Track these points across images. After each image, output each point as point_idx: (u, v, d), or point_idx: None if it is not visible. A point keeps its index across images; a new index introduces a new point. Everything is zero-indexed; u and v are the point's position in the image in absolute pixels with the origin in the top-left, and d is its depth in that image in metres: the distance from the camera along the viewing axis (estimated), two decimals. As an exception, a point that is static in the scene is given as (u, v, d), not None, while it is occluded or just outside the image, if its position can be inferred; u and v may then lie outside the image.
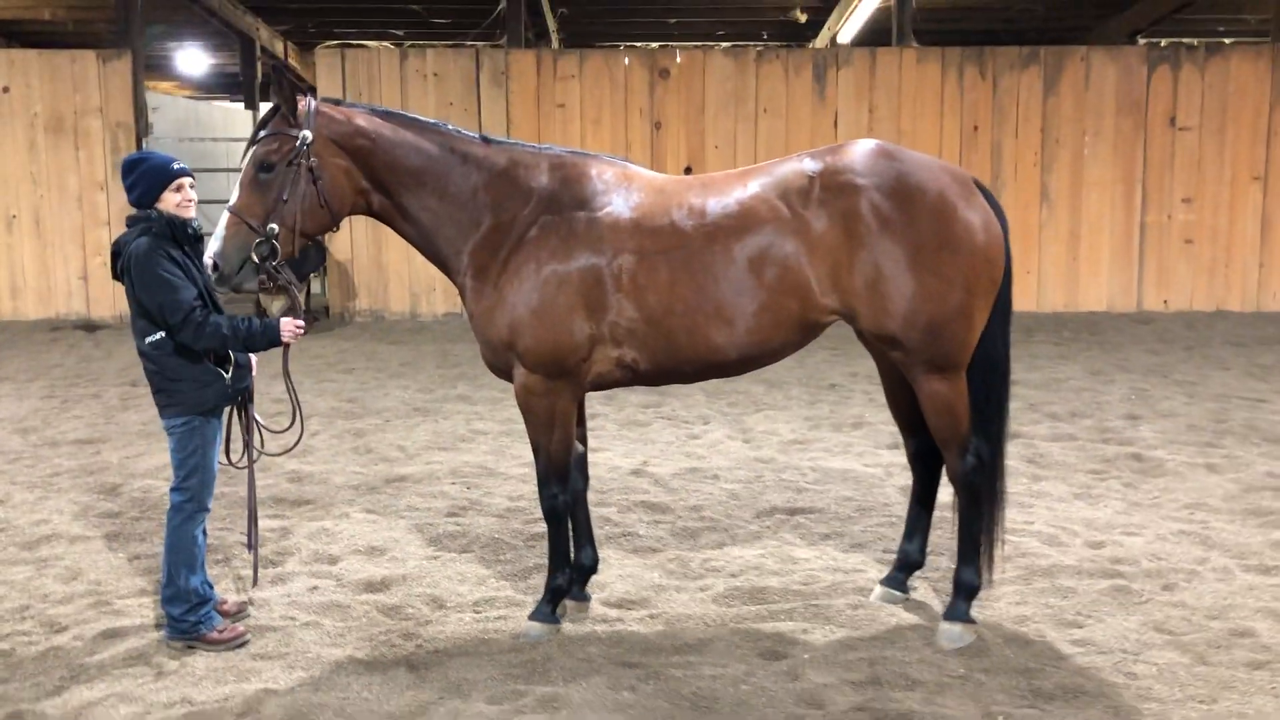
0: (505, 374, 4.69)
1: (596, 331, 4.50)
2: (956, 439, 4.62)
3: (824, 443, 8.30)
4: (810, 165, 4.54)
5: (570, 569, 4.86)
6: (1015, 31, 17.56)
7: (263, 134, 4.53)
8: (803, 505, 6.66)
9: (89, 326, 14.00)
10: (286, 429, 4.99)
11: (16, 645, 4.74)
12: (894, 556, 5.65)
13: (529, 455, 7.84)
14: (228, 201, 4.57)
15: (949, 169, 4.59)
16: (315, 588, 5.38)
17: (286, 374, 4.92)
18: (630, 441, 8.27)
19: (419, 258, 14.18)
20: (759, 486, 7.08)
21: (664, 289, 4.46)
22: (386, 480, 7.28)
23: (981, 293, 4.49)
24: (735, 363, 4.59)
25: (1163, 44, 15.51)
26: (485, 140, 4.74)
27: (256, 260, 4.49)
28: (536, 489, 4.75)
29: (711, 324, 4.47)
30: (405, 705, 4.16)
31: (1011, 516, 6.35)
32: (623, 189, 4.61)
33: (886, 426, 8.66)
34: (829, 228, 4.42)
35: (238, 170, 4.67)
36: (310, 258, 13.45)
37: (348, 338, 13.19)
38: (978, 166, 13.86)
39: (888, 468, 7.53)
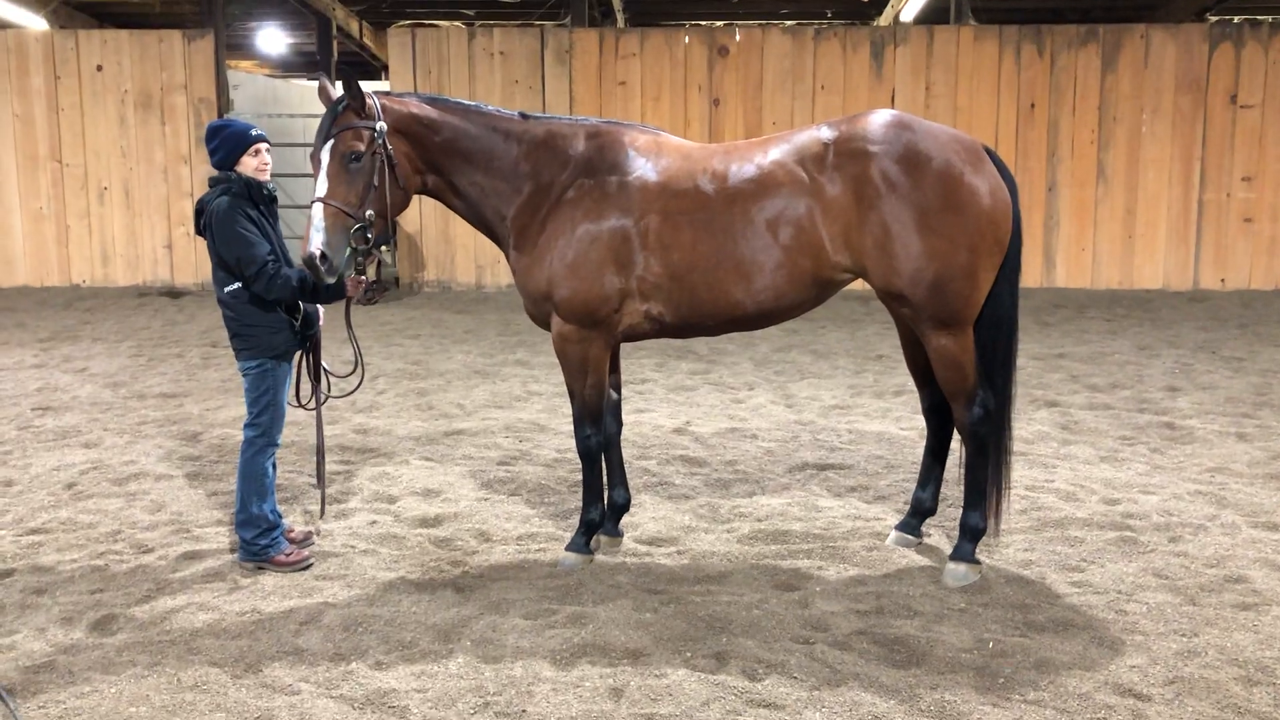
0: (546, 324, 5.12)
1: (626, 285, 4.91)
2: (964, 391, 4.94)
3: (864, 408, 8.62)
4: (827, 133, 4.89)
5: (603, 505, 5.29)
6: (1081, 9, 17.52)
7: (337, 129, 4.82)
8: (834, 462, 7.01)
9: (173, 293, 14.76)
10: (349, 374, 5.47)
11: (110, 562, 5.31)
12: (912, 506, 6.01)
13: (579, 413, 8.28)
14: (304, 175, 5.03)
15: (959, 138, 4.90)
16: (374, 522, 5.88)
17: (349, 324, 5.39)
18: (676, 405, 8.67)
19: (484, 230, 14.75)
20: (794, 445, 7.44)
21: (687, 247, 4.85)
22: (445, 433, 7.77)
23: (986, 253, 4.80)
24: (753, 316, 4.96)
25: (1235, 20, 15.41)
26: (523, 116, 5.16)
27: (355, 245, 4.82)
28: (573, 432, 5.19)
29: (731, 280, 4.85)
30: (449, 618, 4.62)
31: (1034, 475, 6.66)
32: (653, 155, 5.00)
33: (926, 394, 8.95)
34: (841, 191, 4.77)
35: (311, 145, 5.04)
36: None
37: (415, 306, 13.75)
38: (1034, 144, 13.98)
39: (922, 431, 7.82)
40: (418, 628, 4.55)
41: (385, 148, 4.86)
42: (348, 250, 4.82)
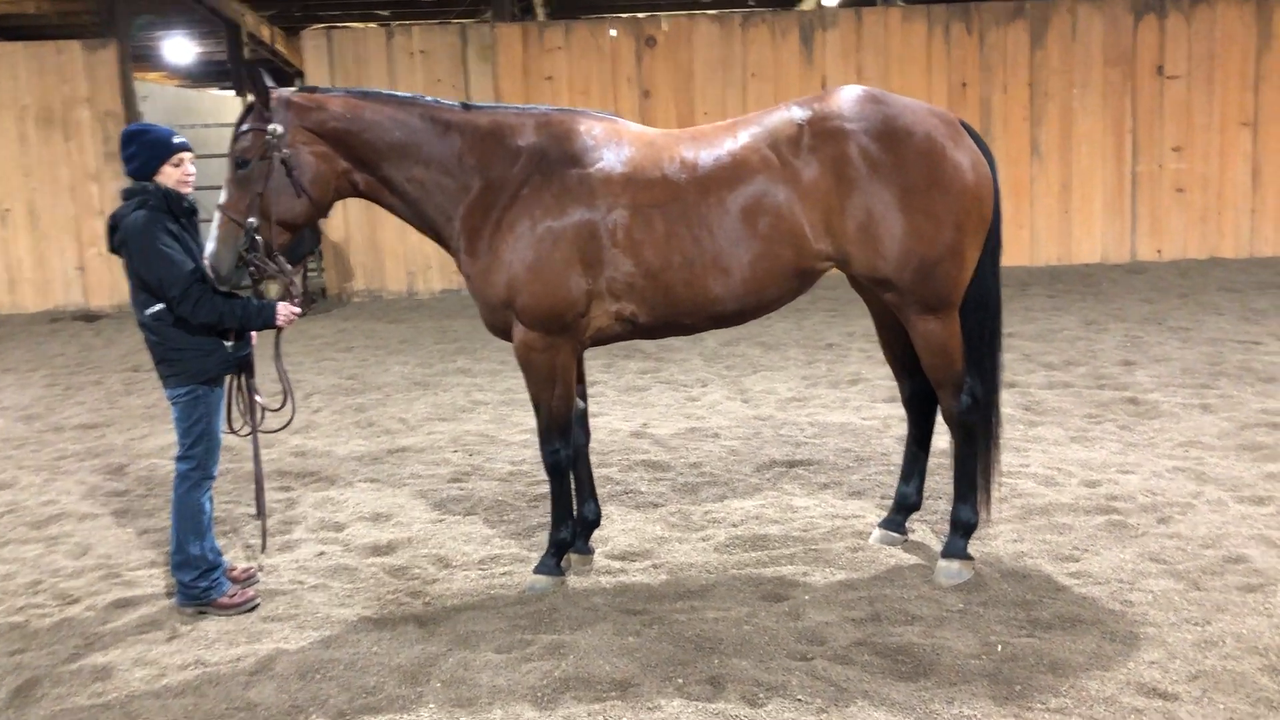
0: (504, 333, 4.75)
1: (594, 287, 4.56)
2: (951, 378, 4.68)
3: (821, 399, 8.36)
4: (799, 113, 4.59)
5: (573, 522, 4.93)
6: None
7: (237, 131, 4.59)
8: (801, 458, 6.73)
9: (88, 316, 14.05)
10: (280, 407, 5.03)
11: (30, 617, 4.83)
12: (893, 502, 5.75)
13: (530, 422, 7.92)
14: (218, 187, 4.65)
15: (936, 112, 4.64)
16: (323, 553, 5.46)
17: (278, 356, 4.97)
18: (630, 406, 8.33)
19: (414, 236, 14.22)
20: (758, 442, 7.15)
21: (660, 242, 4.51)
22: (389, 451, 7.35)
23: (972, 231, 4.54)
24: (734, 313, 4.65)
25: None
26: (465, 106, 4.78)
27: (243, 254, 4.56)
28: (539, 446, 4.82)
29: (709, 275, 4.52)
30: (415, 658, 4.24)
31: (1008, 460, 6.43)
32: (613, 144, 4.65)
33: (884, 382, 8.73)
34: (820, 174, 4.47)
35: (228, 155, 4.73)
36: (304, 241, 13.49)
37: (346, 318, 13.24)
38: (968, 123, 13.86)
39: (885, 420, 7.60)
40: (381, 670, 4.15)
41: (280, 151, 4.47)
42: (235, 259, 4.54)
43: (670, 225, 4.52)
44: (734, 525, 5.57)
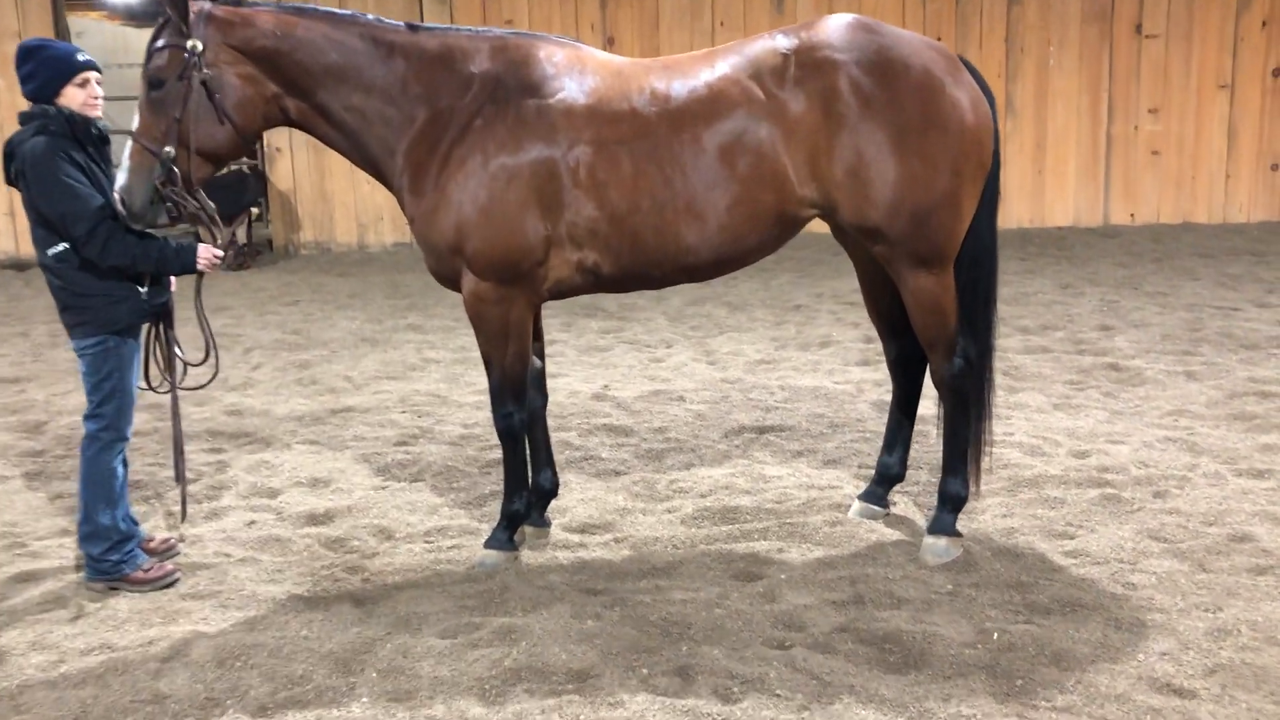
0: (453, 283, 4.28)
1: (553, 232, 4.09)
2: (944, 339, 4.28)
3: (791, 362, 7.97)
4: (784, 42, 4.13)
5: (528, 493, 4.49)
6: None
7: (151, 49, 4.06)
8: (772, 423, 6.33)
9: (18, 265, 13.34)
10: (203, 362, 4.52)
11: (-80, 593, 4.33)
12: (872, 471, 5.36)
13: (483, 382, 7.44)
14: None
15: (932, 44, 4.20)
16: (253, 522, 4.99)
17: (199, 306, 4.45)
18: (590, 367, 7.89)
19: (365, 186, 13.64)
20: (726, 406, 6.74)
21: (627, 183, 4.05)
22: (332, 411, 6.87)
23: (970, 177, 4.12)
24: (708, 264, 4.21)
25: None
26: (411, 28, 4.27)
27: (160, 188, 4.06)
28: (491, 409, 4.36)
29: (681, 221, 4.07)
30: (349, 642, 3.79)
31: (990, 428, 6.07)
32: (576, 72, 4.17)
33: (855, 345, 8.36)
34: (807, 109, 4.02)
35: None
36: (249, 188, 12.89)
37: (292, 271, 12.64)
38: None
39: (858, 384, 7.22)
40: (310, 658, 3.71)
41: (200, 71, 3.96)
42: (150, 193, 4.02)
43: (639, 164, 4.06)
44: (702, 496, 5.16)
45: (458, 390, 7.32)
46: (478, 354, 8.64)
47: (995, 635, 3.74)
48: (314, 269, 12.74)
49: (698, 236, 4.11)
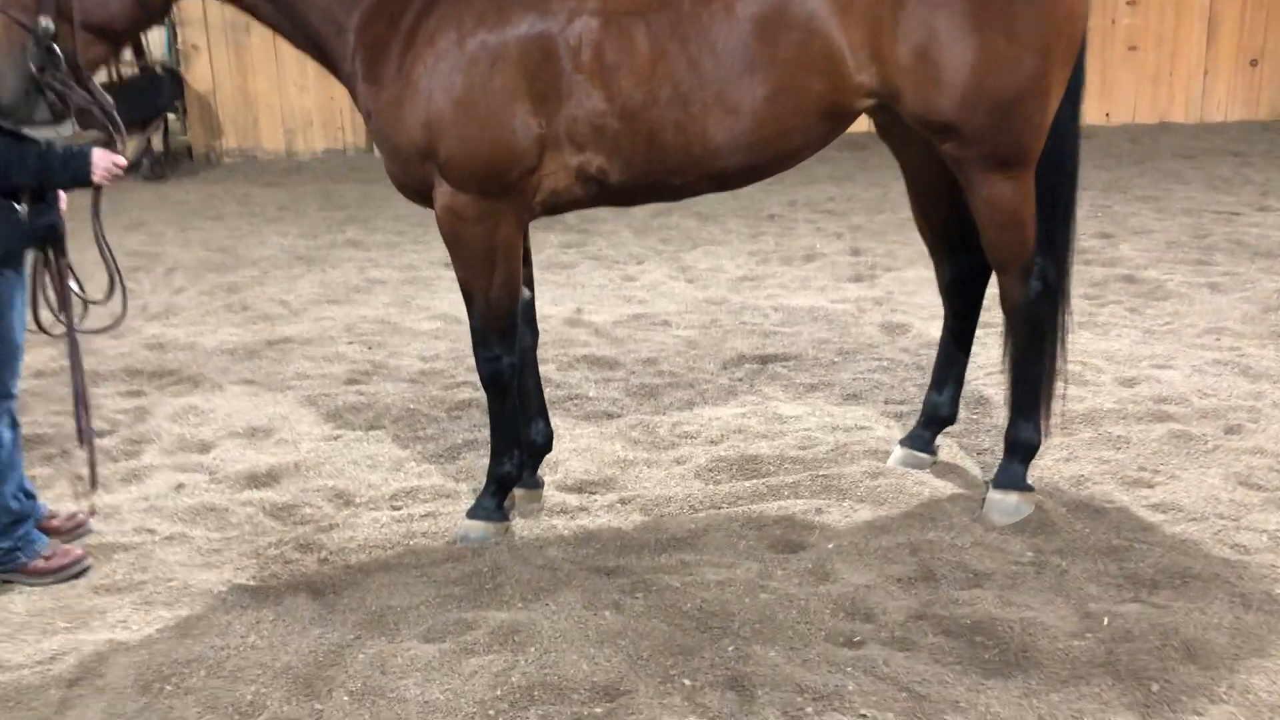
0: (421, 195, 3.44)
1: (548, 130, 3.26)
2: (1021, 257, 3.55)
3: (777, 278, 7.23)
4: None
5: (519, 451, 3.71)
6: None
7: None
8: (774, 351, 5.59)
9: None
10: (107, 298, 3.64)
11: None
12: (903, 409, 4.67)
13: (440, 306, 6.62)
14: None
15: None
16: (181, 485, 4.16)
17: (98, 226, 3.55)
18: (557, 287, 7.06)
19: (292, 87, 12.48)
20: (718, 332, 5.99)
21: (643, 67, 3.21)
22: (268, 343, 5.99)
23: (1060, 59, 3.36)
24: (741, 169, 3.41)
25: None
26: None
27: (35, 71, 3.12)
28: (473, 351, 3.54)
29: (710, 115, 3.26)
30: (310, 651, 3.02)
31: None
32: (574, -78, 3.29)
33: (842, 258, 7.64)
34: (867, -28, 3.20)
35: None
36: (163, 91, 11.68)
37: (215, 181, 11.53)
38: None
39: (857, 303, 6.51)
40: (262, 676, 2.93)
41: None
42: (23, 79, 3.11)
43: (657, 43, 3.23)
44: (712, 442, 4.42)
45: (410, 316, 6.47)
46: (429, 273, 7.80)
47: (1104, 620, 3.08)
48: (239, 179, 11.63)
49: (729, 135, 3.30)
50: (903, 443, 4.14)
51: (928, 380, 5.01)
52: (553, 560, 3.49)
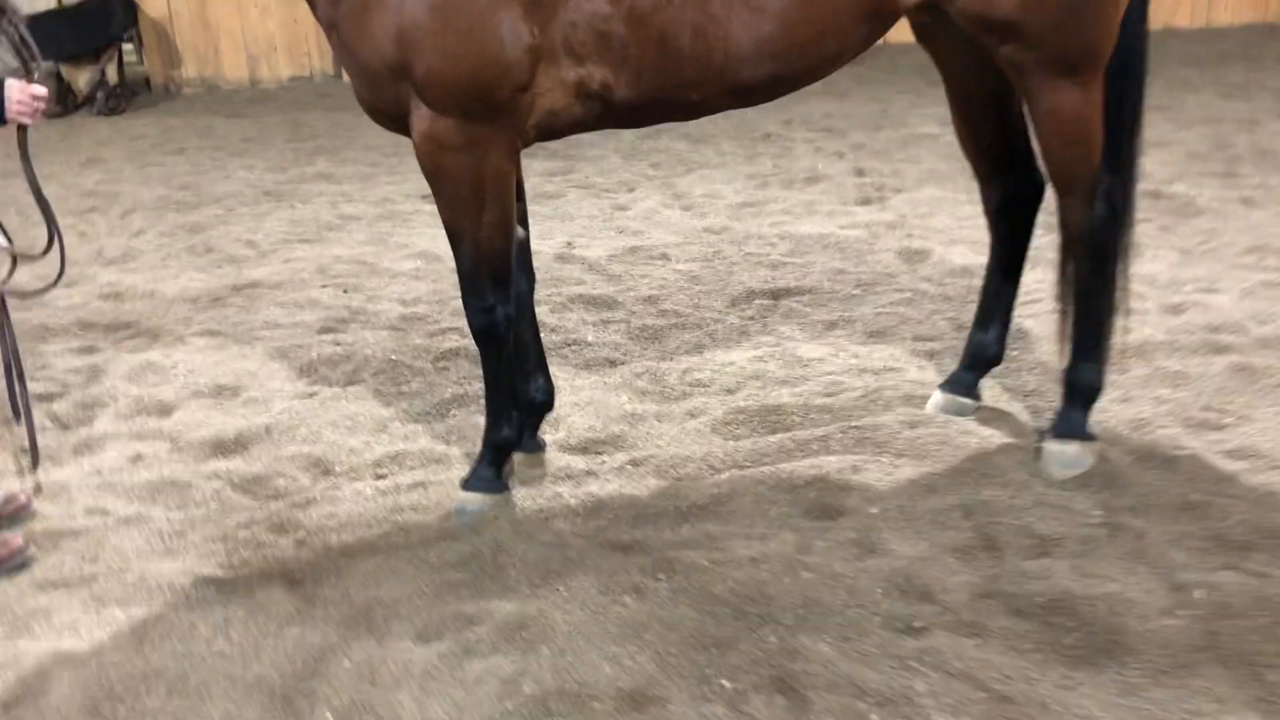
0: (396, 121, 2.96)
1: (542, 39, 2.77)
2: (1085, 177, 3.11)
3: (780, 204, 6.75)
4: None
5: (518, 414, 3.26)
6: None
7: None
8: (786, 285, 5.15)
9: None
10: (44, 253, 3.16)
11: None
12: (934, 346, 4.25)
13: (419, 243, 6.13)
14: None
15: None
16: (139, 456, 3.72)
17: (29, 170, 3.06)
18: (545, 219, 6.57)
19: (253, 10, 11.77)
20: (722, 265, 5.53)
21: (653, -42, 2.73)
22: (234, 288, 5.51)
23: (1137, -55, 2.89)
24: (767, 80, 2.93)
25: None
26: None
27: None
28: (462, 299, 3.08)
29: (733, 18, 2.78)
30: (287, 658, 2.61)
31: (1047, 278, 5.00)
32: None
33: (847, 179, 7.17)
34: None
35: None
36: (115, 18, 10.99)
37: (175, 113, 10.89)
38: None
39: (869, 228, 6.05)
40: (232, 691, 2.52)
41: None
42: None
43: (669, -68, 2.73)
44: (728, 392, 4.00)
45: (388, 255, 5.99)
46: (406, 206, 7.29)
47: (1196, 593, 2.69)
48: (200, 110, 11.00)
49: (754, 40, 2.83)
50: (943, 387, 3.72)
51: (957, 313, 4.65)
52: (561, 536, 3.07)
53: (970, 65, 3.31)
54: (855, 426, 3.62)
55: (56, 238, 3.18)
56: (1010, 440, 3.52)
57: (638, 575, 2.86)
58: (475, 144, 2.83)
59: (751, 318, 4.77)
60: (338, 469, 3.57)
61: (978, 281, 5.02)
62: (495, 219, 2.94)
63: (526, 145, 2.97)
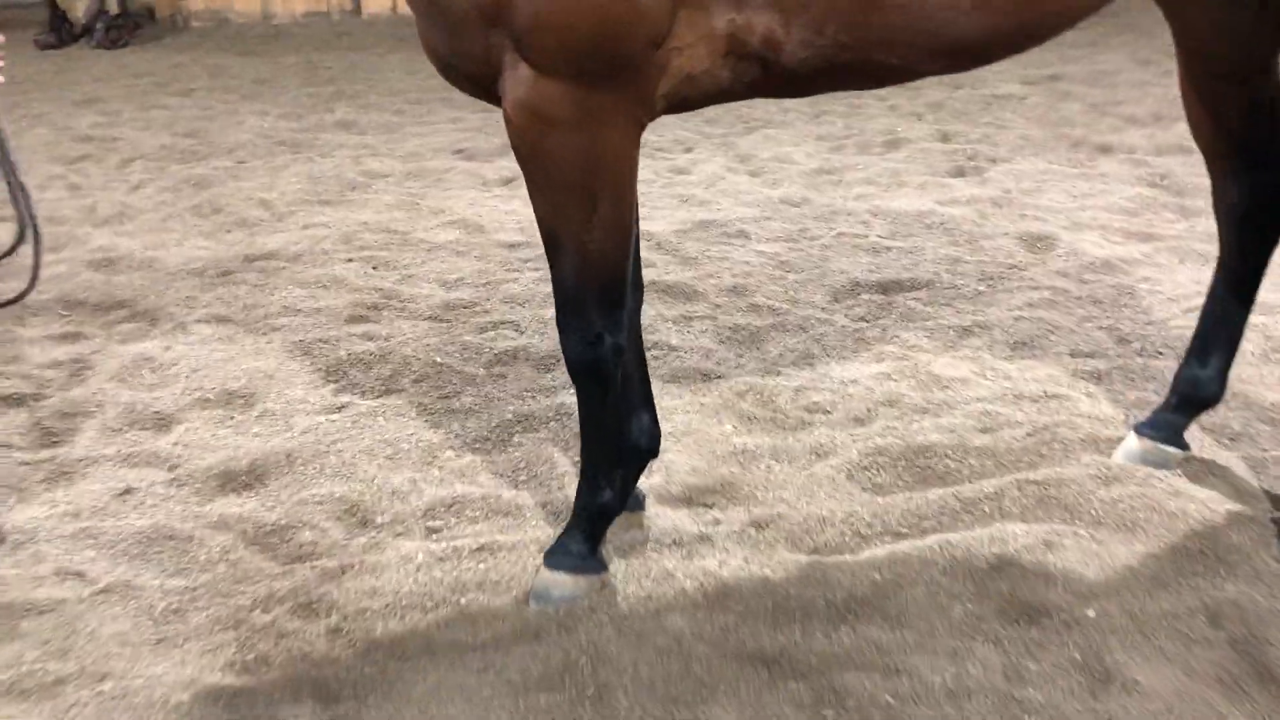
0: (480, 83, 2.17)
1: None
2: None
3: (860, 171, 5.95)
4: None
5: (622, 471, 2.49)
6: None
7: None
8: (895, 275, 4.37)
9: None
10: (12, 249, 2.40)
11: None
12: (1099, 366, 3.48)
13: (457, 208, 5.35)
14: None
15: None
16: (128, 491, 2.97)
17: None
18: (598, 181, 5.77)
19: (265, -64, 10.90)
20: (812, 247, 4.74)
21: None
22: (247, 259, 4.75)
23: None
24: (980, 42, 2.14)
25: None
26: None
27: None
28: (557, 325, 2.31)
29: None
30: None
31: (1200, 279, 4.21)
32: None
33: (931, 144, 6.38)
34: None
35: None
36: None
37: (181, 49, 10.03)
38: None
39: (975, 205, 5.26)
40: None
41: None
42: None
43: None
44: (858, 421, 3.23)
45: (421, 222, 5.20)
46: (437, 163, 6.47)
47: None
48: (209, 47, 10.13)
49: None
50: (1140, 430, 2.95)
51: (1113, 321, 3.88)
52: (680, 639, 2.32)
53: (1218, 18, 2.51)
54: (1033, 481, 2.86)
55: (31, 228, 2.42)
56: (1237, 507, 2.76)
57: (792, 711, 2.11)
58: (591, 118, 2.04)
59: (863, 319, 3.99)
60: (379, 519, 2.81)
61: (1124, 280, 4.27)
62: (611, 219, 2.15)
63: (653, 119, 2.18)
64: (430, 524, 2.78)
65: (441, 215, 5.29)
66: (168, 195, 5.74)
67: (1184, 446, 2.93)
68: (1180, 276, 4.27)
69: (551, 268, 2.23)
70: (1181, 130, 6.58)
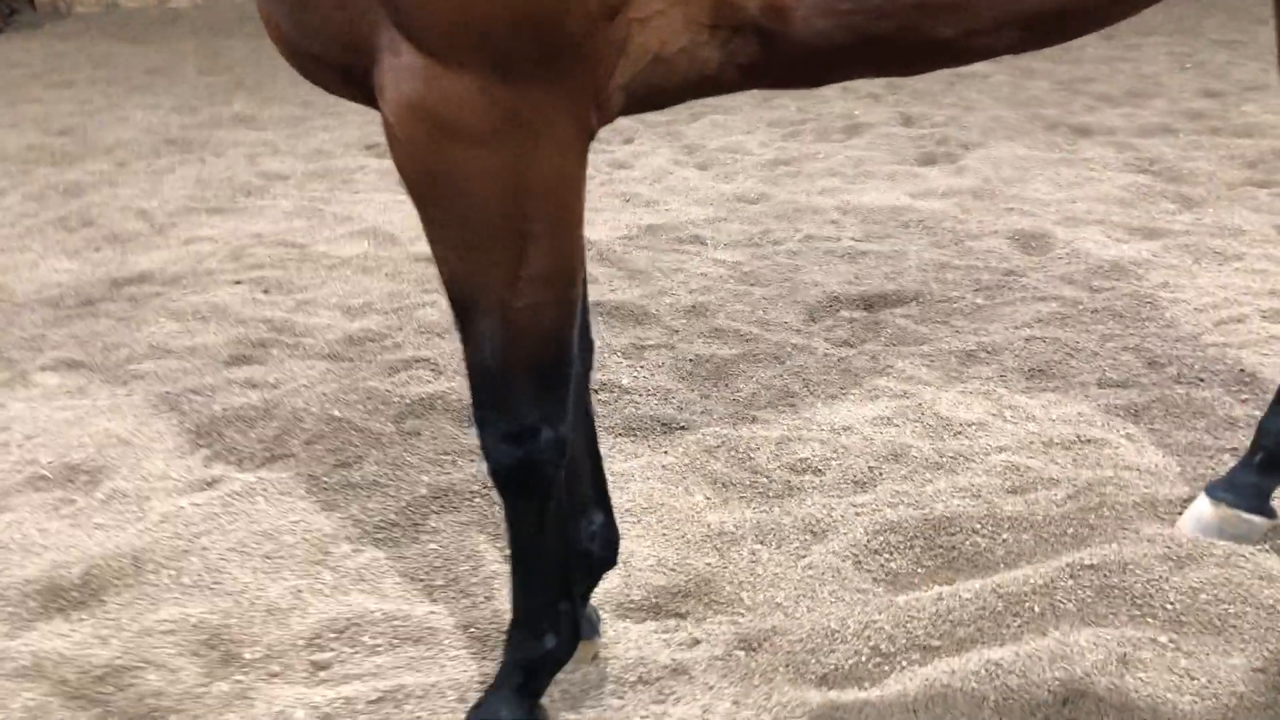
0: (345, 76, 1.51)
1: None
2: None
3: (821, 160, 5.36)
4: None
5: (567, 606, 1.82)
6: None
7: None
8: (877, 287, 3.76)
9: None
10: None
11: None
12: (1137, 400, 2.90)
13: (366, 214, 4.66)
14: None
15: None
16: (-80, 618, 2.25)
17: None
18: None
19: (156, -86, 10.02)
20: (779, 254, 4.13)
21: None
22: (114, 283, 4.03)
23: None
24: (1067, 7, 1.52)
25: None
26: None
27: None
28: (473, 418, 1.63)
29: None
30: None
31: (1249, 284, 3.68)
32: None
33: (894, 129, 5.85)
34: None
35: None
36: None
37: (65, 36, 9.15)
38: None
39: (954, 198, 4.69)
40: None
41: None
42: None
43: None
44: (857, 484, 2.61)
45: (324, 232, 4.51)
46: (345, 162, 5.72)
47: None
48: (95, 34, 9.26)
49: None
50: (1212, 495, 2.36)
51: (1139, 339, 3.31)
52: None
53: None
54: (1087, 566, 2.26)
55: None
56: (1351, 597, 2.18)
57: None
58: (515, 126, 1.37)
59: (847, 343, 3.37)
60: (248, 653, 2.13)
61: (1139, 286, 3.71)
62: (547, 270, 1.48)
63: (607, 122, 1.52)
64: (316, 657, 2.10)
65: (348, 223, 4.60)
66: (30, 205, 4.98)
67: (1271, 515, 2.34)
68: (1201, 281, 3.72)
69: (464, 342, 1.56)
70: (1161, 108, 6.10)
